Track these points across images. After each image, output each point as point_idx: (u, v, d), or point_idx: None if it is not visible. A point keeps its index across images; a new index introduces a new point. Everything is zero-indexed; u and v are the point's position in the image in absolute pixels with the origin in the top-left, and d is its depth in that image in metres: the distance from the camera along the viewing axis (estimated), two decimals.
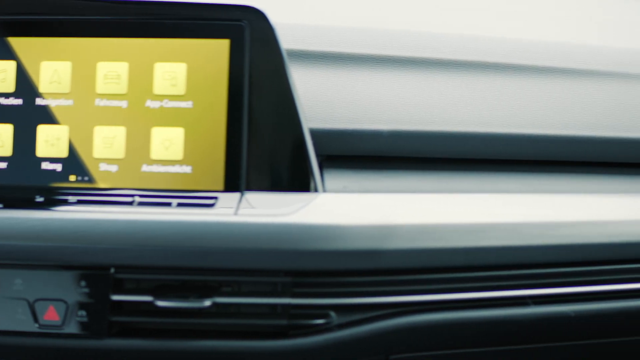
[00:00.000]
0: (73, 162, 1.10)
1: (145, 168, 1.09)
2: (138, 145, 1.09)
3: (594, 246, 1.08)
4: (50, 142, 1.10)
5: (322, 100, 1.11)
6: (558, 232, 1.07)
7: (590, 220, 1.09)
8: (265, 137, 1.08)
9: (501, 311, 1.08)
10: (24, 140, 1.10)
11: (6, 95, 1.11)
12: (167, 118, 1.09)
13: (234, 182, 1.07)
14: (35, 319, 1.04)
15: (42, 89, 1.11)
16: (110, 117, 1.09)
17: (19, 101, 1.11)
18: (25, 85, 1.11)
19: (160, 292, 1.03)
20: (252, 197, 1.07)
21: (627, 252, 1.09)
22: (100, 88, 1.10)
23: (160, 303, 1.03)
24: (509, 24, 1.35)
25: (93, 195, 1.08)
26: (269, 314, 1.04)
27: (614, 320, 1.12)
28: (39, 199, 1.07)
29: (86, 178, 1.09)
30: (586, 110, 1.18)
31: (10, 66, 1.11)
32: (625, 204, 1.13)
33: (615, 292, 1.12)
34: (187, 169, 1.08)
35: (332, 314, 1.05)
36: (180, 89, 1.09)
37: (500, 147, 1.14)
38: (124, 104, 1.10)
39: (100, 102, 1.10)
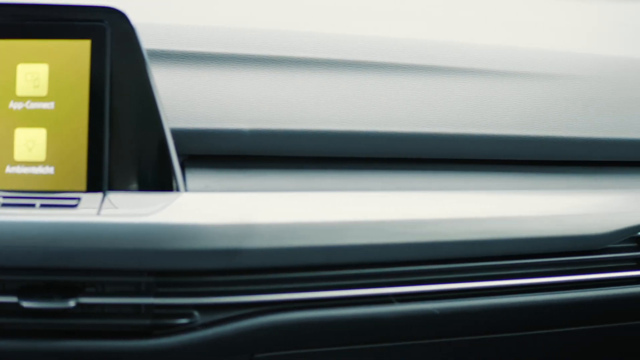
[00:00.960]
0: None
1: (9, 169, 1.09)
2: (2, 147, 1.09)
3: (456, 243, 1.09)
4: None
5: (184, 100, 1.12)
6: (421, 230, 1.08)
7: (449, 217, 1.10)
8: (127, 137, 1.08)
9: (365, 309, 1.09)
10: None
11: None
12: (30, 119, 1.09)
13: (96, 183, 1.08)
14: None
15: None
16: None
17: None
18: None
19: (25, 292, 1.03)
20: (114, 197, 1.07)
21: (487, 249, 1.11)
22: None
23: (26, 304, 1.03)
24: (375, 23, 1.36)
25: None
26: (133, 314, 1.05)
27: (478, 318, 1.13)
28: None
29: None
30: (443, 107, 1.20)
31: None
32: (487, 201, 1.15)
33: (478, 289, 1.13)
34: (50, 169, 1.08)
35: (196, 313, 1.05)
36: (43, 90, 1.09)
37: (361, 145, 1.14)
38: None
39: None
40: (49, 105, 1.09)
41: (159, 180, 1.08)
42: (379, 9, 1.40)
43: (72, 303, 1.02)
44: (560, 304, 1.17)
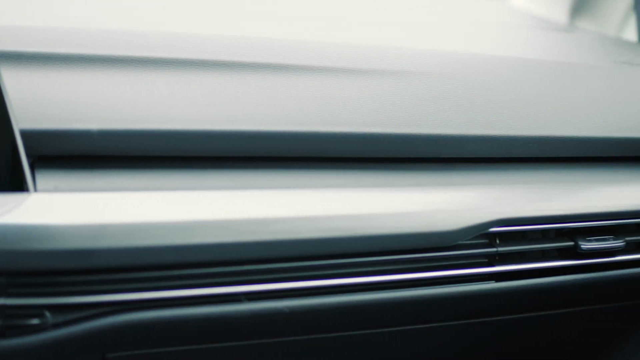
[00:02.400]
0: None
1: None
2: None
3: (303, 241, 1.12)
4: None
5: (33, 101, 1.12)
6: (268, 228, 1.10)
7: (299, 215, 1.13)
8: None
9: (214, 308, 1.11)
10: None
11: None
12: None
13: None
14: None
15: None
16: None
17: None
18: None
19: None
20: None
21: (336, 247, 1.13)
22: None
23: None
24: (228, 22, 1.38)
25: None
26: None
27: (329, 315, 1.16)
28: None
29: None
30: (300, 105, 1.22)
31: None
32: (336, 198, 1.17)
33: (329, 287, 1.16)
34: None
35: (47, 313, 1.06)
36: None
37: (213, 143, 1.16)
38: None
39: None
40: None
41: (9, 180, 1.08)
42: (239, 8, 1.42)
43: None
44: (412, 301, 1.20)
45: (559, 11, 2.26)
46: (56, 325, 1.06)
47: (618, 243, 1.33)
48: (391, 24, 1.65)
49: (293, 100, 1.23)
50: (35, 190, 1.08)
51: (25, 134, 1.09)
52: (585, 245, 1.30)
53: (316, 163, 1.23)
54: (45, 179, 1.10)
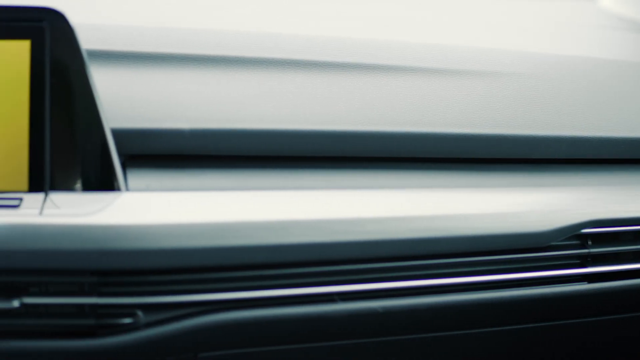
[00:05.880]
0: None
1: None
2: None
3: (397, 242, 1.11)
4: None
5: (124, 100, 1.12)
6: (363, 228, 1.10)
7: (393, 215, 1.12)
8: (68, 137, 1.10)
9: (308, 308, 1.11)
10: None
11: None
12: None
13: (38, 183, 1.09)
14: None
15: None
16: None
17: None
18: None
19: None
20: (56, 197, 1.08)
21: (432, 247, 1.13)
22: None
23: None
24: (314, 22, 1.38)
25: None
26: (77, 314, 1.05)
27: (422, 316, 1.15)
28: None
29: None
30: (393, 105, 1.22)
31: None
32: (430, 199, 1.16)
33: (421, 287, 1.15)
34: None
35: (140, 312, 1.06)
36: None
37: (303, 143, 1.16)
38: None
39: None
40: None
41: (101, 180, 1.09)
42: (321, 8, 1.42)
43: (15, 303, 1.03)
44: (504, 302, 1.19)
45: None
46: (148, 325, 1.06)
47: None
48: (481, 25, 1.64)
49: (385, 101, 1.22)
50: (127, 189, 1.09)
51: (116, 133, 1.10)
52: None
53: (409, 163, 1.23)
54: (136, 178, 1.11)
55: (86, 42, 1.12)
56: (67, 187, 1.08)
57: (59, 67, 1.09)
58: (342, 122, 1.16)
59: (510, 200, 1.19)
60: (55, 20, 1.09)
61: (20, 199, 1.07)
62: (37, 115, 1.08)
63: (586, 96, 1.37)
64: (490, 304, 1.19)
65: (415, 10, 1.62)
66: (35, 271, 1.03)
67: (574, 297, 1.24)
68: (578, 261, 1.24)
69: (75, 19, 1.10)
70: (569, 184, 1.27)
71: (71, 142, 1.09)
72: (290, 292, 1.09)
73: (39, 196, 1.07)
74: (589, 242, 1.24)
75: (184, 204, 1.06)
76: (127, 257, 1.03)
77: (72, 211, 1.04)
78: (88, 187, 1.09)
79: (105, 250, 1.02)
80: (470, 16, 1.72)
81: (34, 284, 1.04)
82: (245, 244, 1.05)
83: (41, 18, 1.10)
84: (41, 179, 1.08)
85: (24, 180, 1.08)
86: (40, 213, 1.04)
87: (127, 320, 1.05)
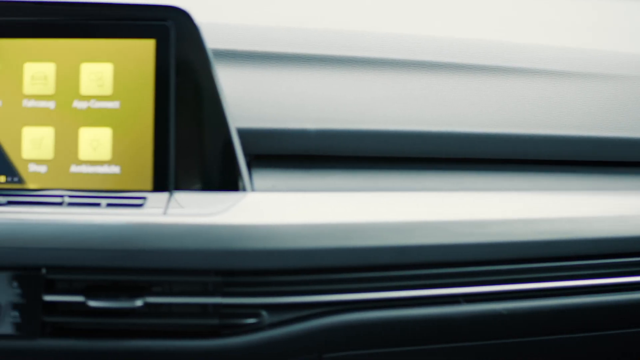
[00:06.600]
0: (2, 163, 1.11)
1: (74, 169, 1.10)
2: (66, 146, 1.10)
3: (522, 244, 1.10)
4: None
5: (249, 100, 1.12)
6: (489, 230, 1.09)
7: (518, 218, 1.11)
8: (192, 137, 1.09)
9: (433, 309, 1.10)
10: None
11: None
12: (95, 118, 1.10)
13: (162, 182, 1.09)
14: None
15: None
16: (38, 118, 1.10)
17: None
18: None
19: (92, 292, 1.04)
20: (180, 196, 1.08)
21: (556, 250, 1.11)
22: (28, 89, 1.11)
23: (92, 303, 1.04)
24: (439, 22, 1.36)
25: (23, 195, 1.09)
26: (201, 314, 1.05)
27: (548, 318, 1.14)
28: None
29: (16, 179, 1.10)
30: (509, 108, 1.20)
31: None
32: (554, 202, 1.15)
33: (548, 289, 1.14)
34: (115, 169, 1.09)
35: (264, 313, 1.06)
36: (107, 89, 1.10)
37: (428, 145, 1.15)
38: (51, 104, 1.11)
39: (27, 103, 1.11)
40: (113, 105, 1.10)
41: (226, 179, 1.09)
42: (446, 9, 1.40)
43: (139, 302, 1.03)
44: (631, 304, 1.17)
45: None
46: (273, 325, 1.06)
47: None
48: (583, 27, 1.61)
49: (503, 103, 1.20)
50: (253, 189, 1.09)
51: (242, 133, 1.09)
52: None
53: (532, 166, 1.21)
54: (262, 178, 1.10)
55: (212, 41, 1.11)
56: (192, 186, 1.08)
57: (184, 67, 1.09)
58: (469, 124, 1.15)
59: (632, 203, 1.17)
60: (180, 19, 1.09)
61: (145, 199, 1.07)
62: (162, 114, 1.08)
63: None
64: (615, 306, 1.17)
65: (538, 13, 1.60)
66: (159, 271, 1.03)
67: None
68: None
69: (199, 18, 1.09)
70: None
71: (196, 142, 1.08)
72: (415, 294, 1.08)
73: (164, 196, 1.07)
74: None
75: (309, 204, 1.06)
76: (252, 257, 1.02)
77: (197, 211, 1.04)
78: (212, 186, 1.08)
79: (230, 250, 1.01)
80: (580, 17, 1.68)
81: (157, 284, 1.04)
82: (370, 245, 1.05)
83: (166, 17, 1.10)
84: (166, 179, 1.08)
85: (148, 179, 1.08)
86: (165, 212, 1.04)
87: (251, 321, 1.05)
